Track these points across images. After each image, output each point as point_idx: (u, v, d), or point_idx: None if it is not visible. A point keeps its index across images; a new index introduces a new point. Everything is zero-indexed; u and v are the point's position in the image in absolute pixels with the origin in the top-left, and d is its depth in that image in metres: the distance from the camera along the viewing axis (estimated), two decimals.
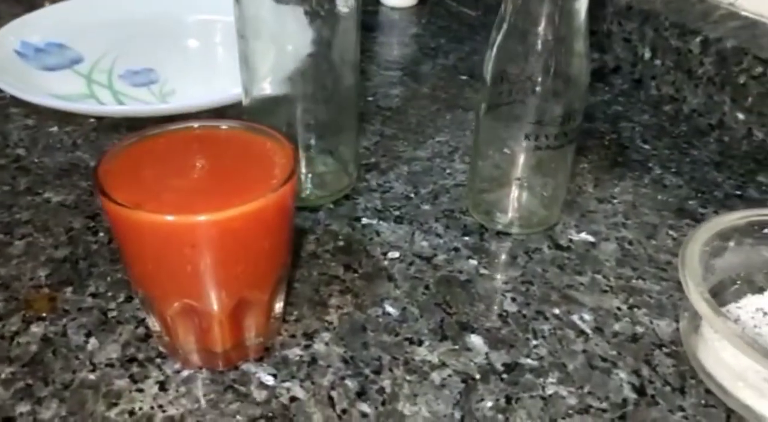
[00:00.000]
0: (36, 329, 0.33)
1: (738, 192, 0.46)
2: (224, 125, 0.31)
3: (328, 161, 0.44)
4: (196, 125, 0.31)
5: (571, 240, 0.41)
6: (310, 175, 0.43)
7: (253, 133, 0.31)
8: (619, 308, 0.36)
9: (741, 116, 0.50)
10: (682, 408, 0.31)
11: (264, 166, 0.29)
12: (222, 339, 0.30)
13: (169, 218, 0.25)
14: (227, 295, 0.28)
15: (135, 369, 0.31)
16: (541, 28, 0.35)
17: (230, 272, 0.28)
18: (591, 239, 0.41)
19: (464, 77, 0.60)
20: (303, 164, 0.42)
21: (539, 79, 0.36)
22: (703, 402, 0.31)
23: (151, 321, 0.31)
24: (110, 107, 0.51)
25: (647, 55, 0.56)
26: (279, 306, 0.33)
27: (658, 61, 0.55)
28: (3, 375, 0.30)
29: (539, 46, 0.36)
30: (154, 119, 0.47)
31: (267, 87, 0.40)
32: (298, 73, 0.39)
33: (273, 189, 0.27)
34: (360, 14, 0.39)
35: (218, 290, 0.28)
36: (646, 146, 0.51)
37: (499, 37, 0.37)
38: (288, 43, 0.38)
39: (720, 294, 0.35)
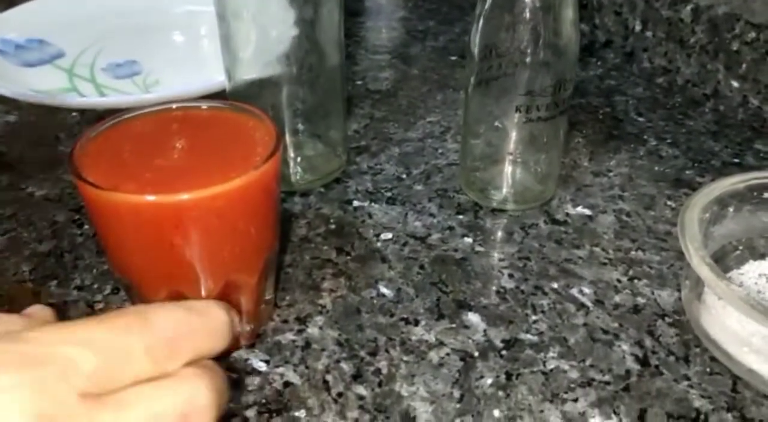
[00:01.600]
0: None
1: (736, 160, 0.45)
2: (204, 104, 0.30)
3: (317, 145, 0.43)
4: (174, 105, 0.30)
5: (567, 214, 0.40)
6: (298, 158, 0.42)
7: (234, 112, 0.30)
8: (619, 280, 0.35)
9: (735, 83, 0.49)
10: (687, 377, 0.30)
11: (246, 144, 0.28)
12: None
13: (150, 198, 0.24)
14: (213, 279, 0.27)
15: None
16: None
17: (215, 255, 0.27)
18: (588, 212, 0.40)
19: (455, 58, 0.59)
20: (291, 147, 0.41)
21: (529, 49, 0.35)
22: (708, 369, 0.30)
23: None
24: (92, 99, 0.50)
25: (638, 27, 0.55)
26: (269, 292, 0.32)
27: (649, 33, 0.54)
28: None
29: (527, 15, 0.35)
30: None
31: (250, 70, 0.39)
32: (281, 55, 0.38)
33: (255, 166, 0.26)
34: None
35: (204, 274, 0.27)
36: (641, 119, 0.50)
37: (486, 8, 0.36)
38: (269, 23, 0.37)
39: (721, 261, 0.34)
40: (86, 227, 0.38)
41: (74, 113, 0.49)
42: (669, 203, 0.41)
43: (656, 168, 0.44)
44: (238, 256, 0.28)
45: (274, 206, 0.29)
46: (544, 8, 0.35)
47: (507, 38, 0.36)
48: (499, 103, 0.38)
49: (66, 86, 0.53)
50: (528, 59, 0.36)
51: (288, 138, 0.41)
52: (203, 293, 0.28)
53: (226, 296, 0.29)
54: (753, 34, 0.47)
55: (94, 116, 0.48)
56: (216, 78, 0.47)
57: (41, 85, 0.52)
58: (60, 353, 0.17)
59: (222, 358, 0.30)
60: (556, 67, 0.36)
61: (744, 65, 0.48)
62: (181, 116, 0.29)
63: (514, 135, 0.39)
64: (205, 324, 0.20)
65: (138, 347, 0.18)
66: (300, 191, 0.41)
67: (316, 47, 0.38)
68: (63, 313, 0.32)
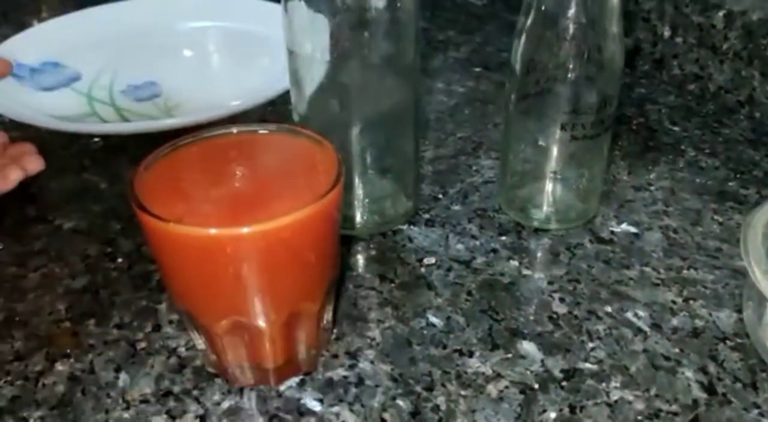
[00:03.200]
0: (61, 367, 0.31)
1: None
2: (262, 129, 0.29)
3: (386, 185, 0.39)
4: (235, 130, 0.29)
5: (612, 232, 0.39)
6: (366, 201, 0.38)
7: (293, 136, 0.29)
8: (674, 302, 0.34)
9: None
10: (756, 405, 0.29)
11: (307, 170, 0.27)
12: (274, 354, 0.28)
13: (212, 231, 0.23)
14: (277, 309, 0.27)
15: (172, 403, 0.29)
16: (572, 11, 0.33)
17: (280, 286, 0.26)
18: (633, 229, 0.39)
19: (478, 69, 0.58)
20: (359, 189, 0.37)
21: (572, 65, 0.34)
22: None
23: (195, 337, 0.29)
24: (114, 125, 0.49)
25: (667, 33, 0.54)
26: (328, 316, 0.31)
27: (679, 40, 0.53)
28: (31, 421, 0.28)
29: (571, 30, 0.34)
30: (163, 133, 0.44)
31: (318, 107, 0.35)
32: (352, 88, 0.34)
33: (321, 195, 0.25)
34: (419, 16, 0.35)
35: (268, 305, 0.26)
36: (676, 128, 0.49)
37: (528, 23, 0.35)
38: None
39: None
40: (120, 260, 0.37)
41: (96, 139, 0.48)
42: (716, 217, 0.40)
43: (698, 180, 0.43)
44: (302, 286, 0.27)
45: (336, 232, 0.28)
46: (588, 23, 0.34)
47: (550, 53, 0.35)
48: (541, 120, 0.37)
49: (86, 111, 0.51)
50: (571, 75, 0.35)
51: (356, 179, 0.37)
52: (266, 323, 0.27)
53: (289, 325, 0.28)
54: None
55: (118, 141, 0.47)
56: (232, 102, 0.46)
57: (60, 110, 0.50)
58: None
59: (278, 393, 0.29)
60: (600, 84, 0.35)
61: None
62: (240, 141, 0.29)
63: (556, 153, 0.38)
64: None
65: None
66: (363, 236, 0.38)
67: (391, 83, 0.35)
68: (104, 354, 0.31)
